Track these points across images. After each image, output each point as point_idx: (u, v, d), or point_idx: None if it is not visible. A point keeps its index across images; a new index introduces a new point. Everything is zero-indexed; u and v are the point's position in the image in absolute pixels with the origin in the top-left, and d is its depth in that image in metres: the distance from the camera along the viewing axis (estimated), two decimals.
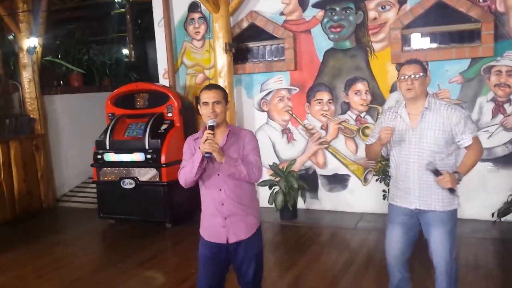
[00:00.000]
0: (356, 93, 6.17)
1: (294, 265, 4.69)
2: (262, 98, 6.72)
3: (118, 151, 6.29)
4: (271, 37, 6.52)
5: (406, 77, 3.00)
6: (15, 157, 7.18)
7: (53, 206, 7.83)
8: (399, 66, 5.79)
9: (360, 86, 6.14)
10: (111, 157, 6.34)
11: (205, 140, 2.67)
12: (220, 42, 6.34)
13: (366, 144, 3.44)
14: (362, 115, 6.16)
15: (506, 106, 5.51)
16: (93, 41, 9.89)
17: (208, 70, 7.02)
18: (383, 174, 5.71)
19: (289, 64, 6.43)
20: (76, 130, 8.34)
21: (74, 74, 8.59)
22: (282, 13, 6.45)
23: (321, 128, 6.41)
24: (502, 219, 5.26)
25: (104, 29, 11.05)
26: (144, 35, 10.65)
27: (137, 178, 6.21)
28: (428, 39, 5.74)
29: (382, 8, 5.94)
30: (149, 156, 6.09)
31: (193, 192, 3.01)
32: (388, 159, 3.36)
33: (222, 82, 6.33)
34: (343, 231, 5.71)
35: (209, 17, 6.73)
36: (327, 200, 6.49)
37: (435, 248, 3.09)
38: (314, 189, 6.51)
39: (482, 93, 5.59)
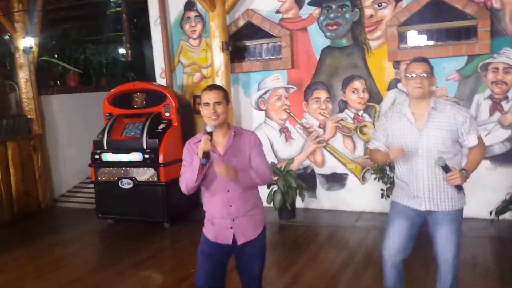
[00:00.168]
0: (353, 91, 6.17)
1: (292, 264, 4.69)
2: (260, 97, 6.71)
3: (115, 151, 6.28)
4: (267, 35, 6.51)
5: (415, 75, 2.97)
6: (12, 158, 7.16)
7: (51, 206, 7.82)
8: (396, 63, 5.89)
9: (358, 84, 6.13)
10: (108, 157, 6.33)
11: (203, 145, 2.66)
12: (216, 41, 6.32)
13: (370, 149, 3.42)
14: (360, 113, 6.16)
15: (503, 103, 5.51)
16: (89, 41, 9.86)
17: (205, 69, 7.01)
18: (381, 173, 5.72)
19: (286, 62, 6.41)
20: (73, 130, 8.33)
21: (71, 74, 8.58)
22: (278, 11, 6.44)
23: (319, 126, 6.41)
24: (500, 217, 5.26)
25: (100, 29, 11.01)
26: (140, 34, 10.61)
27: (135, 178, 6.21)
28: (424, 36, 5.73)
29: (378, 6, 5.93)
30: (147, 156, 6.09)
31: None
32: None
33: (219, 81, 6.32)
34: (342, 230, 5.71)
35: (205, 16, 6.71)
36: (325, 199, 6.49)
37: (442, 245, 3.10)
38: (312, 188, 6.51)
39: (479, 91, 5.59)
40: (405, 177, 3.13)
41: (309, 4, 6.25)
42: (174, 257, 5.33)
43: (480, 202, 5.52)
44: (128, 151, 6.20)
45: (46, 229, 6.68)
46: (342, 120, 6.27)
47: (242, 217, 2.86)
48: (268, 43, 6.58)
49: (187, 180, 2.82)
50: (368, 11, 5.99)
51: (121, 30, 10.86)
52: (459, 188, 3.00)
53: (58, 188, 8.20)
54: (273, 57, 6.56)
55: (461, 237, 3.13)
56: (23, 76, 7.52)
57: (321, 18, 6.21)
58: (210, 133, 2.73)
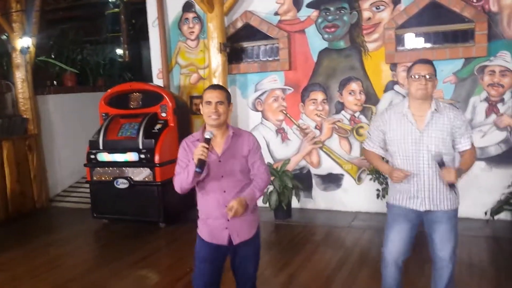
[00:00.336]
0: (350, 93, 6.18)
1: (288, 264, 4.69)
2: (257, 98, 6.72)
3: (111, 150, 6.27)
4: (265, 37, 6.53)
5: (420, 76, 2.97)
6: (8, 157, 7.13)
7: (46, 206, 7.78)
8: (393, 66, 5.92)
9: (354, 86, 6.15)
10: (104, 157, 6.31)
11: (199, 153, 2.66)
12: (214, 42, 6.33)
13: (365, 149, 3.41)
14: (356, 114, 6.17)
15: (499, 105, 5.53)
16: (87, 41, 9.85)
17: (202, 70, 7.02)
18: (377, 173, 5.73)
19: (284, 64, 6.43)
20: (69, 130, 8.31)
21: (68, 74, 8.56)
22: (276, 13, 6.46)
23: (316, 127, 6.42)
24: (495, 217, 5.28)
25: (98, 29, 11.02)
26: (138, 35, 10.63)
27: (131, 178, 6.19)
28: (422, 39, 5.76)
29: (376, 8, 5.96)
30: (142, 156, 6.07)
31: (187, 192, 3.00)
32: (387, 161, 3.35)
33: (216, 82, 6.32)
34: (337, 230, 5.71)
35: (203, 17, 6.73)
36: (321, 199, 6.49)
37: (440, 243, 3.11)
38: (308, 188, 6.51)
39: (476, 93, 5.61)
40: (406, 179, 3.12)
41: (307, 6, 6.28)
42: (170, 257, 5.31)
43: (475, 203, 5.56)
44: (124, 151, 6.18)
45: (41, 229, 6.64)
46: (338, 121, 6.28)
47: (237, 217, 2.84)
48: (265, 45, 6.59)
49: (181, 182, 2.81)
50: (366, 14, 6.01)
51: (119, 31, 10.87)
52: (452, 186, 3.01)
53: (53, 188, 8.17)
54: (270, 59, 6.57)
55: (457, 237, 3.15)
56: (20, 76, 7.50)
57: (319, 20, 6.23)
58: (208, 140, 2.72)
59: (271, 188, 6.04)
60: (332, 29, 6.19)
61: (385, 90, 6.00)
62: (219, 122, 2.80)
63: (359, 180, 6.25)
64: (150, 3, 7.21)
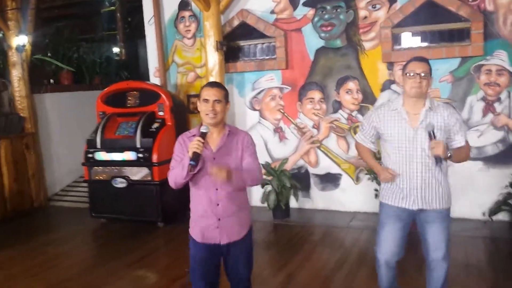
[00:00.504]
0: (347, 92, 6.19)
1: (286, 264, 4.70)
2: (254, 97, 6.72)
3: (109, 149, 6.26)
4: (262, 35, 6.52)
5: (415, 74, 2.96)
6: (5, 156, 7.12)
7: (44, 205, 7.77)
8: (390, 65, 5.93)
9: (351, 85, 6.16)
10: (102, 156, 6.31)
11: (194, 146, 2.67)
12: (211, 41, 6.32)
13: (357, 141, 3.43)
14: (354, 114, 6.18)
15: (496, 105, 5.55)
16: (83, 39, 9.80)
17: (199, 69, 7.01)
18: (375, 173, 5.74)
19: (281, 62, 6.43)
20: (66, 129, 8.30)
21: (64, 72, 8.54)
22: (273, 12, 6.45)
23: (313, 127, 6.43)
24: (493, 218, 5.30)
25: (94, 27, 10.97)
26: (134, 33, 10.57)
27: (129, 177, 6.19)
28: (418, 38, 5.76)
29: (372, 7, 5.96)
30: (140, 155, 6.07)
31: (185, 191, 3.01)
32: (379, 158, 3.37)
33: (213, 80, 6.31)
34: (336, 230, 5.73)
35: (199, 15, 6.71)
36: (319, 199, 6.51)
37: (433, 242, 3.12)
38: (306, 188, 6.52)
39: (472, 92, 5.63)
40: (398, 176, 3.14)
41: (304, 4, 6.27)
42: (168, 257, 5.32)
43: (473, 203, 5.59)
44: (121, 150, 6.18)
45: (39, 228, 6.65)
46: (336, 120, 6.29)
47: (228, 217, 2.85)
48: (262, 43, 6.59)
49: (176, 176, 2.81)
50: (362, 13, 6.01)
51: (115, 29, 10.82)
52: (438, 160, 2.98)
53: (51, 186, 8.16)
54: (267, 57, 6.57)
55: (449, 236, 3.16)
56: (16, 75, 7.47)
57: (316, 19, 6.23)
58: (204, 134, 2.72)
59: (269, 187, 6.06)
60: (329, 28, 6.19)
61: (382, 89, 6.01)
62: (216, 120, 2.79)
63: (357, 180, 6.26)
64: (146, 1, 7.19)
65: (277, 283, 4.33)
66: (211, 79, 6.32)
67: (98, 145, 6.31)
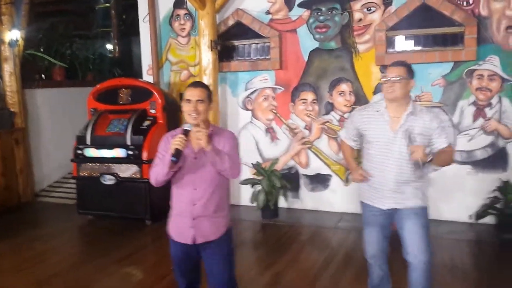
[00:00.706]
0: (340, 94, 6.20)
1: (274, 263, 4.69)
2: (247, 97, 6.70)
3: (99, 146, 6.22)
4: (257, 35, 6.51)
5: (387, 79, 3.01)
6: None
7: (31, 201, 7.70)
8: (383, 68, 5.93)
9: (344, 87, 6.16)
10: (91, 152, 6.27)
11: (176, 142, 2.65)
12: (205, 40, 6.31)
13: (341, 140, 3.49)
14: (346, 115, 6.18)
15: (486, 110, 5.57)
16: (77, 36, 9.75)
17: (193, 67, 6.99)
18: None
19: (275, 63, 6.42)
20: (57, 125, 8.24)
21: (57, 68, 8.49)
22: (268, 12, 6.45)
23: (305, 128, 6.42)
24: (480, 221, 5.32)
25: (88, 24, 10.91)
26: (129, 30, 10.53)
27: (118, 174, 6.15)
28: (412, 41, 5.78)
29: (367, 10, 5.97)
30: (130, 152, 6.04)
31: None
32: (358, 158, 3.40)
33: (207, 79, 6.31)
34: (324, 230, 5.73)
35: (195, 14, 6.70)
36: (308, 200, 6.50)
37: (410, 239, 3.10)
38: (296, 188, 6.52)
39: (464, 97, 5.65)
40: (374, 177, 3.17)
41: (299, 6, 6.27)
42: (155, 254, 5.28)
43: (460, 206, 5.62)
44: (111, 147, 6.15)
45: (26, 223, 6.57)
46: (328, 122, 6.29)
47: (204, 217, 2.83)
48: (257, 44, 6.58)
49: (157, 173, 2.81)
50: (357, 15, 6.02)
51: (110, 25, 10.77)
52: (417, 165, 2.99)
53: (39, 182, 8.09)
54: (261, 58, 6.56)
55: (429, 236, 3.12)
56: (8, 69, 7.41)
57: (311, 20, 6.24)
58: (187, 132, 2.71)
59: (259, 187, 6.04)
60: (324, 30, 6.20)
61: (375, 92, 6.01)
62: (198, 120, 2.78)
63: (347, 181, 6.26)
64: None
65: (265, 282, 4.31)
66: (205, 78, 6.32)
67: (88, 141, 6.27)
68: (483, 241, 5.15)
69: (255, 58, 6.59)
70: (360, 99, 6.09)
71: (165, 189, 3.01)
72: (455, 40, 5.56)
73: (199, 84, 2.89)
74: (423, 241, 3.07)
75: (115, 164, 6.17)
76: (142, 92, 6.45)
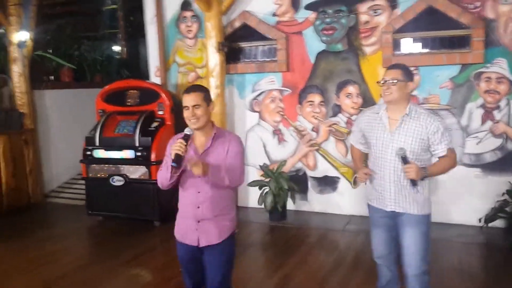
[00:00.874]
0: (347, 96, 6.20)
1: (282, 266, 4.71)
2: (254, 99, 6.72)
3: (107, 147, 6.27)
4: (263, 37, 6.53)
5: (384, 81, 3.04)
6: (4, 152, 7.11)
7: (41, 201, 7.77)
8: None
9: (351, 89, 6.17)
10: (100, 153, 6.31)
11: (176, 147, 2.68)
12: (212, 41, 6.33)
13: (351, 144, 3.54)
14: (353, 118, 6.18)
15: (495, 112, 5.56)
16: (85, 37, 9.82)
17: (200, 69, 7.02)
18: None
19: (281, 65, 6.44)
20: (65, 126, 8.30)
21: (65, 69, 8.55)
22: (274, 14, 6.46)
23: (312, 130, 6.43)
24: (489, 225, 5.31)
25: (96, 25, 10.98)
26: (136, 32, 10.59)
27: (127, 176, 6.20)
28: (419, 44, 5.77)
29: (374, 12, 5.97)
30: (139, 154, 6.08)
31: None
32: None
33: (214, 81, 6.34)
34: (332, 232, 5.74)
35: (201, 16, 6.72)
36: (316, 202, 6.51)
37: (407, 248, 3.11)
38: (304, 190, 6.53)
39: (472, 99, 5.64)
40: (375, 179, 3.21)
41: (306, 8, 6.28)
42: (163, 256, 5.31)
43: (469, 209, 5.60)
44: (120, 148, 6.19)
45: (35, 224, 6.63)
46: (335, 124, 6.30)
47: (207, 220, 2.86)
48: (263, 46, 6.60)
49: (162, 177, 2.85)
50: (363, 17, 6.02)
51: (117, 27, 10.84)
52: (414, 183, 3.00)
53: (48, 183, 8.15)
54: (268, 60, 6.58)
55: (429, 245, 3.12)
56: (17, 70, 7.47)
57: (317, 22, 6.24)
58: (187, 136, 2.73)
59: (266, 189, 6.06)
60: (330, 32, 6.21)
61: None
62: (199, 125, 2.80)
63: (354, 183, 6.27)
64: (148, 0, 7.20)
65: (273, 284, 4.34)
66: (212, 80, 6.34)
67: (97, 143, 6.31)
68: (492, 245, 5.14)
69: (262, 60, 6.61)
70: (367, 101, 6.09)
71: (174, 191, 3.04)
72: (463, 42, 5.56)
73: (192, 89, 2.86)
74: (419, 253, 3.07)
75: (124, 165, 6.22)
76: (150, 93, 6.48)
